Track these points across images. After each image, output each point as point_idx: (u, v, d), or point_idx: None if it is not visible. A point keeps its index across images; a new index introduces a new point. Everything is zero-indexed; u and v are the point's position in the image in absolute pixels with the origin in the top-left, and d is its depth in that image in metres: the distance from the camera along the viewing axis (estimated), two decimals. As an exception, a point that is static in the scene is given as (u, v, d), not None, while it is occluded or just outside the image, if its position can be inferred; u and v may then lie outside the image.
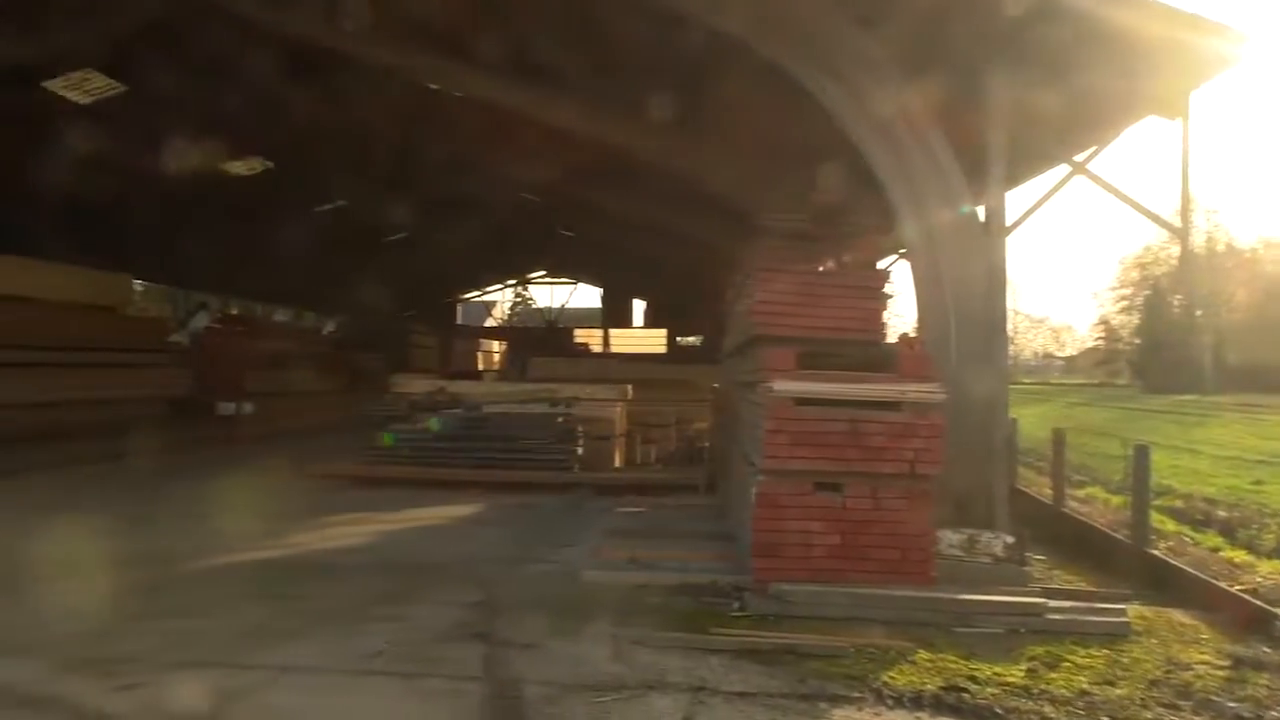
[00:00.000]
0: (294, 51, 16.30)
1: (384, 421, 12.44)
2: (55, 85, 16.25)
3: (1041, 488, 10.95)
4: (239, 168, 22.66)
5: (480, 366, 34.06)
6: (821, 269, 7.88)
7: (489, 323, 44.95)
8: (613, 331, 40.56)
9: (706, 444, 13.86)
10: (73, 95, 16.80)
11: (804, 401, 6.23)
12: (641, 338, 39.62)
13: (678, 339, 38.14)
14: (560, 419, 12.29)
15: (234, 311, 29.83)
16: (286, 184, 23.86)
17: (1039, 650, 5.26)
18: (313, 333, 28.32)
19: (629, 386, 14.16)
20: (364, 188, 25.28)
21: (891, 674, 4.85)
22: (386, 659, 4.99)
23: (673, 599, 6.25)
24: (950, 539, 6.56)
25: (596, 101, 13.13)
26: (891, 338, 8.54)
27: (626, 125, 13.41)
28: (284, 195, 24.64)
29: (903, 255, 11.02)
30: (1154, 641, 5.56)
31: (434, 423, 13.03)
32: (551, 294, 43.68)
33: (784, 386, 6.24)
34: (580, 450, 12.14)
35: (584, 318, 42.61)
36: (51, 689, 4.47)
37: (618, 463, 13.32)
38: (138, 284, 23.32)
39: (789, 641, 5.27)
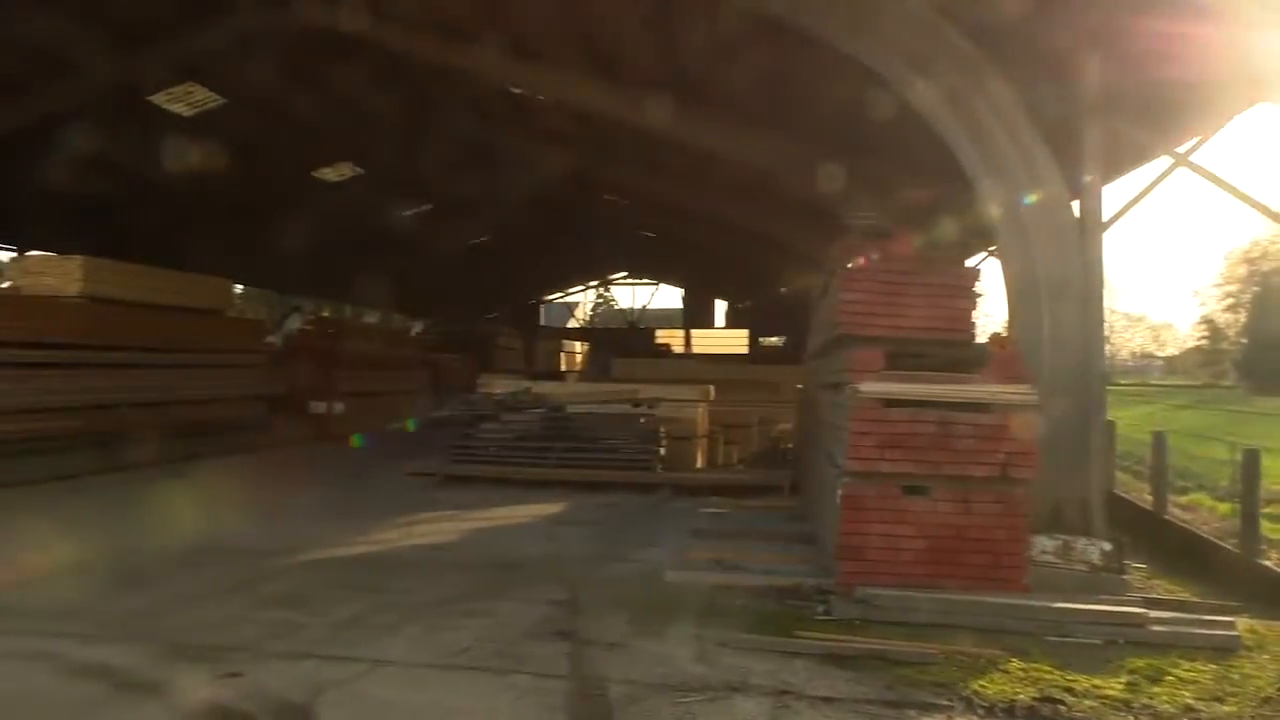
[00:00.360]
0: (383, 60, 16.73)
1: (471, 421, 12.64)
2: (159, 99, 16.95)
3: (1141, 493, 10.55)
4: (329, 174, 23.31)
5: (563, 367, 34.38)
6: (909, 268, 7.72)
7: (571, 324, 45.32)
8: (694, 332, 40.48)
9: (790, 445, 13.76)
10: (176, 108, 17.50)
11: (891, 403, 6.12)
12: (723, 338, 39.45)
13: (760, 339, 37.86)
14: (642, 419, 12.32)
15: (325, 314, 30.72)
16: (375, 189, 24.45)
17: (1140, 663, 5.06)
18: (401, 334, 28.95)
19: (711, 387, 14.11)
20: (450, 192, 25.75)
21: (982, 682, 4.74)
22: (474, 654, 5.08)
23: (756, 601, 6.21)
24: (1044, 545, 6.37)
25: (680, 101, 13.15)
26: (982, 338, 8.31)
27: (709, 124, 13.41)
28: (372, 200, 25.26)
29: (993, 253, 10.75)
30: (1266, 657, 5.30)
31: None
32: (633, 295, 43.83)
33: (871, 387, 6.15)
34: (662, 451, 12.15)
35: (665, 318, 42.64)
36: (158, 675, 4.68)
37: (700, 463, 13.29)
38: (236, 288, 24.15)
39: (876, 647, 5.18)
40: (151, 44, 14.77)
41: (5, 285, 14.64)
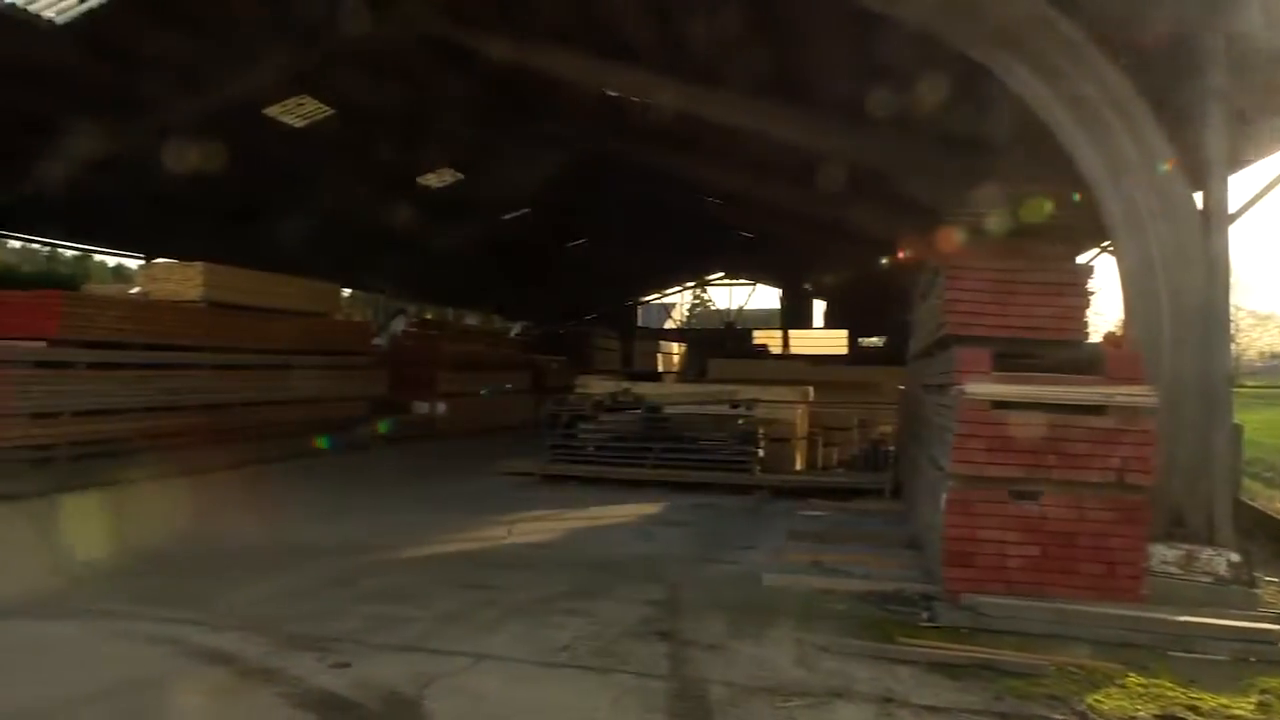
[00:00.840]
0: (483, 66, 17.07)
1: (570, 421, 12.78)
2: (273, 111, 17.66)
3: (1272, 501, 9.96)
4: (432, 180, 23.90)
5: (660, 368, 34.47)
6: (1016, 265, 7.45)
7: (668, 325, 45.39)
8: (792, 332, 40.03)
9: (891, 447, 13.47)
10: (288, 119, 18.21)
11: (999, 404, 5.91)
12: (822, 339, 38.89)
13: (859, 340, 37.21)
14: (740, 420, 12.25)
15: (428, 316, 31.51)
16: (475, 194, 24.95)
17: (1273, 682, 4.77)
18: (501, 336, 29.48)
19: (809, 388, 13.94)
20: (548, 195, 26.10)
21: (1098, 696, 4.54)
22: (575, 652, 5.13)
23: (858, 606, 6.10)
24: (1164, 555, 6.08)
25: (781, 101, 13.03)
26: (1095, 337, 7.98)
27: (803, 123, 13.24)
28: (473, 204, 25.78)
29: (1107, 249, 10.30)
30: None
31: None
32: (730, 295, 43.62)
33: (977, 388, 5.96)
34: (760, 452, 12.05)
35: (763, 319, 42.29)
36: (273, 662, 4.87)
37: (798, 465, 13.13)
38: (344, 291, 24.92)
39: (984, 656, 5.02)
40: (269, 58, 15.41)
41: (133, 291, 15.47)
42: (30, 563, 7.17)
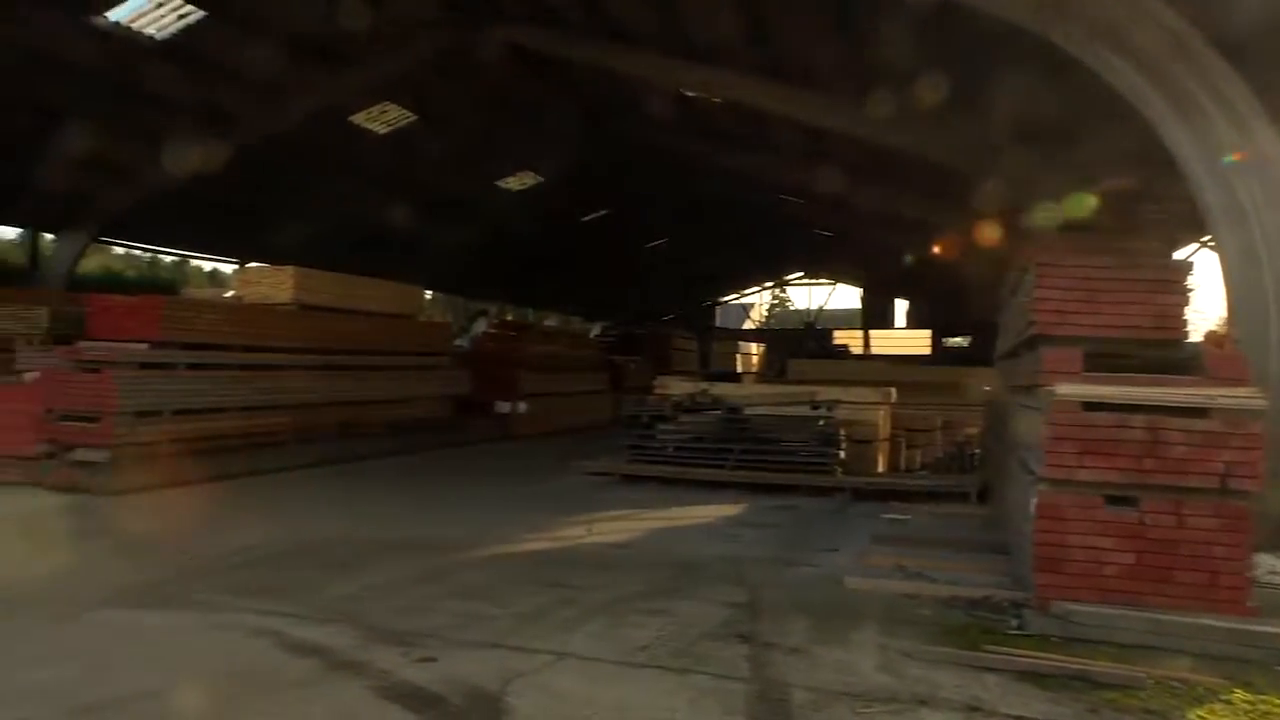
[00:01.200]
0: (561, 71, 17.26)
1: (650, 422, 12.80)
2: (359, 119, 18.15)
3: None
4: (512, 183, 24.23)
5: (739, 369, 34.31)
6: (1108, 261, 7.19)
7: (747, 325, 45.16)
8: (873, 332, 39.47)
9: (977, 450, 13.16)
10: (373, 126, 18.70)
11: (1092, 406, 5.72)
12: (904, 339, 38.28)
13: (943, 340, 36.47)
14: (821, 422, 12.10)
15: (509, 317, 31.95)
16: (555, 196, 25.21)
17: (1390, 699, 4.52)
18: (580, 336, 29.71)
19: (892, 389, 13.69)
20: (627, 196, 26.24)
21: (1200, 713, 4.35)
22: (654, 652, 5.14)
23: (943, 611, 5.97)
24: (1273, 565, 5.79)
25: (858, 99, 12.86)
26: (1195, 337, 7.64)
27: (888, 121, 13.03)
28: (552, 207, 26.05)
29: (1207, 244, 9.89)
30: None
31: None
32: (809, 295, 43.21)
33: (1069, 390, 5.77)
34: (841, 454, 11.89)
35: (843, 318, 41.79)
36: (362, 656, 5.00)
37: (880, 468, 12.91)
38: (426, 293, 25.45)
39: (1077, 666, 4.86)
40: (353, 68, 15.86)
41: (228, 294, 16.06)
42: (134, 554, 7.51)
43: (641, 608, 6.04)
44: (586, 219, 28.24)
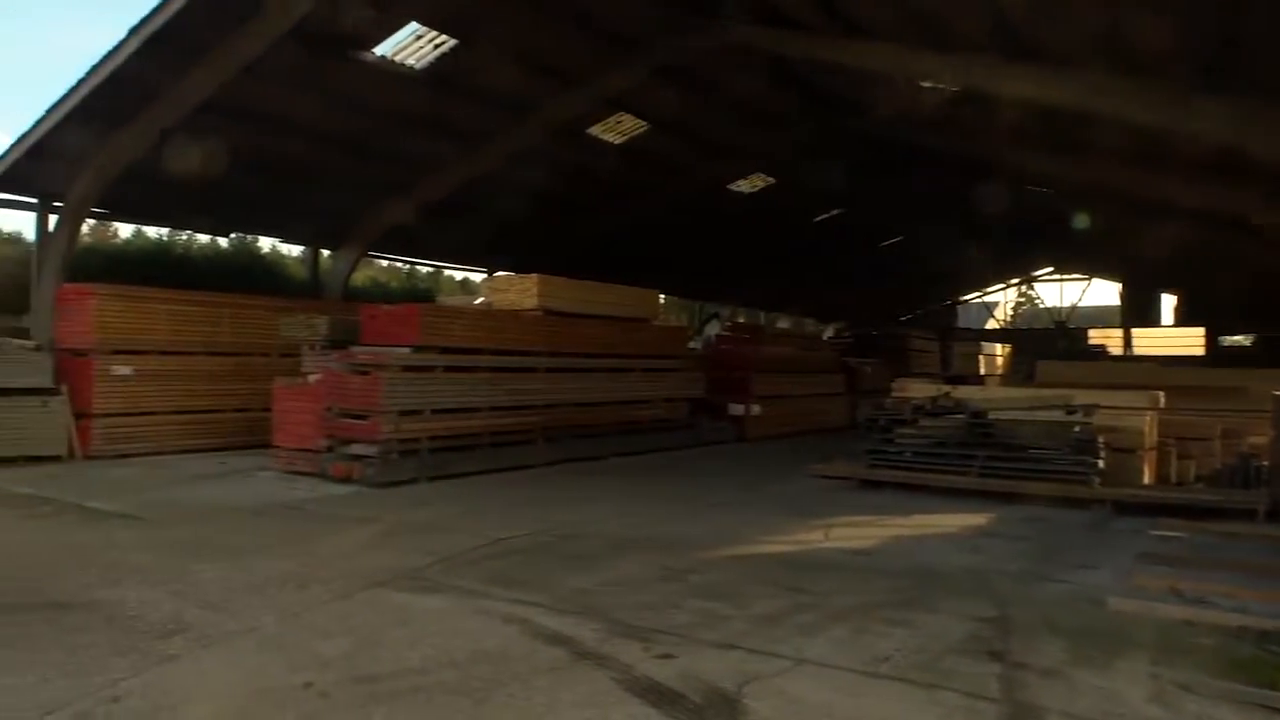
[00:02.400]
0: (790, 70, 17.10)
1: (888, 426, 12.42)
2: (595, 130, 18.86)
3: None
4: (743, 186, 24.29)
5: (982, 371, 32.59)
6: None
7: (990, 325, 42.81)
8: (1135, 331, 36.28)
9: (1264, 462, 11.72)
10: (608, 137, 19.36)
11: None
12: (1172, 337, 34.88)
13: (1219, 338, 32.93)
14: (1076, 428, 11.23)
15: (741, 319, 32.03)
16: (787, 197, 25.03)
17: None
18: (814, 338, 29.31)
19: (1160, 393, 12.47)
20: (862, 195, 25.63)
21: None
22: (897, 664, 4.96)
23: (1227, 642, 5.36)
24: None
25: (1114, 74, 11.87)
26: None
27: (1149, 97, 11.94)
28: (784, 208, 25.88)
29: None
30: None
31: None
32: (1060, 292, 40.34)
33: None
34: (1100, 463, 10.97)
35: (1099, 317, 38.73)
36: (605, 648, 5.17)
37: (1146, 479, 11.80)
38: (661, 297, 26.06)
39: (1399, 713, 4.22)
40: (589, 82, 16.50)
41: (478, 301, 17.16)
42: (399, 541, 8.18)
43: (883, 617, 5.85)
44: (819, 219, 27.83)
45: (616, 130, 19.11)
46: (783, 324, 36.94)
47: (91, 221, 19.38)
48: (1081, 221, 26.19)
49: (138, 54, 12.31)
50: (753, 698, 4.46)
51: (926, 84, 15.94)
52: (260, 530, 8.73)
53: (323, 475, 11.82)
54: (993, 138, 17.85)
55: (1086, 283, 38.76)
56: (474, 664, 4.89)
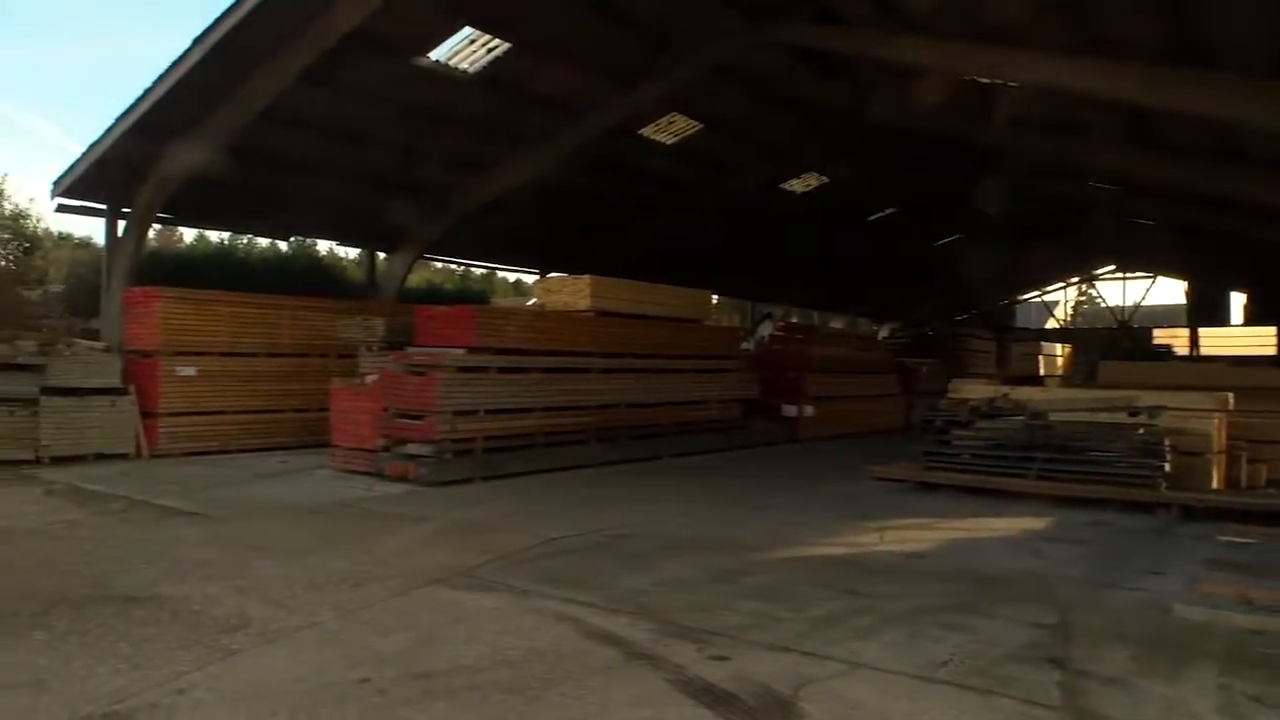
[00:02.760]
0: (844, 68, 16.94)
1: (944, 427, 12.23)
2: (647, 131, 18.88)
3: None
4: (796, 185, 24.12)
5: (1041, 371, 31.95)
6: None
7: (1050, 324, 41.93)
8: (1202, 330, 35.26)
9: (1341, 466, 11.33)
10: (661, 138, 19.37)
11: None
12: (1242, 337, 33.81)
13: (1295, 337, 31.86)
14: (1140, 430, 10.95)
15: (794, 320, 31.80)
16: (840, 196, 24.81)
17: None
18: (868, 338, 29.00)
19: (1229, 394, 12.10)
20: (916, 192, 25.30)
21: None
22: (954, 669, 4.88)
23: (1303, 653, 5.19)
24: None
25: (1178, 66, 11.55)
26: None
27: (1218, 92, 11.58)
28: (838, 207, 25.65)
29: None
30: None
31: None
32: (1123, 291, 39.37)
33: None
34: (1166, 466, 10.68)
35: (1163, 315, 37.72)
36: (657, 649, 5.17)
37: (1215, 483, 11.45)
38: (713, 297, 25.99)
39: None
40: (642, 83, 16.53)
41: (531, 302, 17.29)
42: (454, 540, 8.27)
43: (939, 621, 5.76)
44: (873, 218, 27.53)
45: (669, 131, 19.11)
46: (836, 324, 36.61)
47: (158, 226, 19.92)
48: (1147, 218, 25.55)
49: (201, 63, 12.63)
50: (808, 701, 4.42)
51: (984, 80, 15.67)
52: (319, 528, 8.90)
53: (379, 474, 12.00)
54: (1053, 134, 17.49)
55: (1151, 281, 37.80)
56: (528, 662, 4.93)
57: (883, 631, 5.55)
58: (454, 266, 30.42)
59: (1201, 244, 28.16)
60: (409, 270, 21.15)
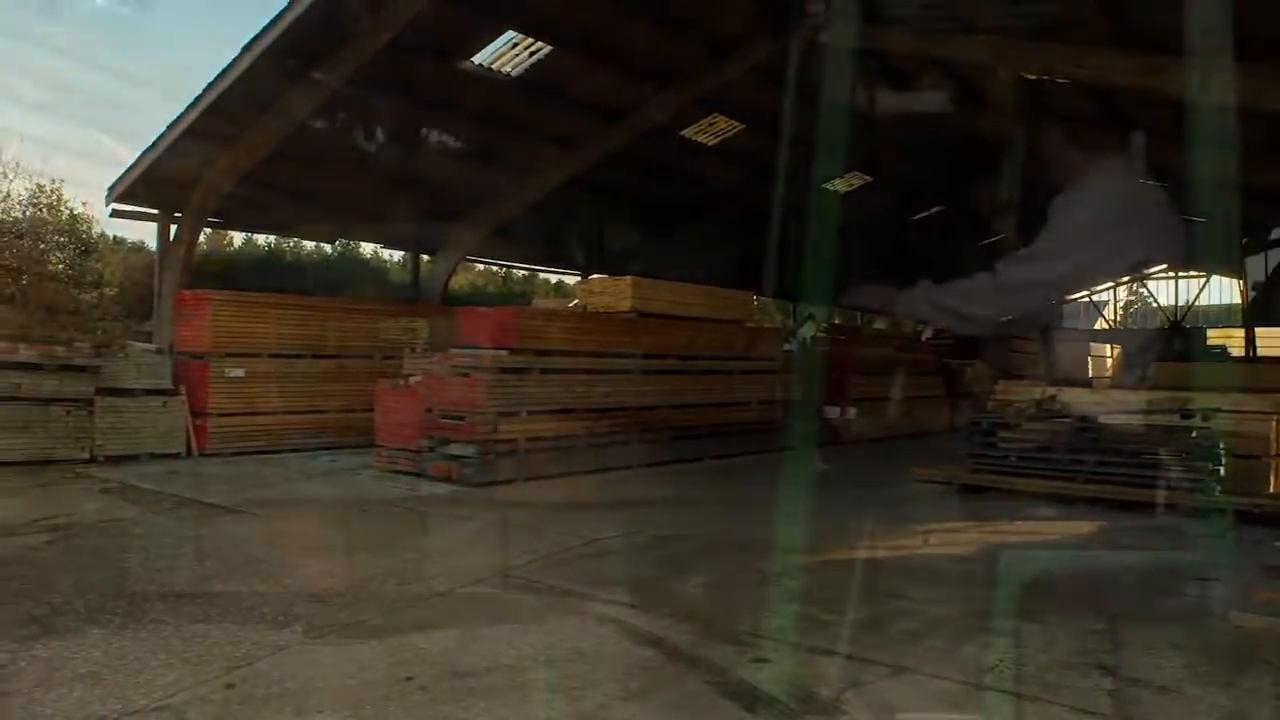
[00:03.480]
0: (886, 66, 16.78)
1: (990, 429, 12.05)
2: (689, 132, 18.87)
3: None
4: (839, 185, 23.94)
5: (1090, 373, 31.35)
6: None
7: (1099, 325, 41.13)
8: (1260, 330, 34.34)
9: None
10: (702, 139, 19.34)
11: None
12: (1302, 337, 32.86)
13: (1359, 337, 30.90)
14: (1194, 433, 10.70)
15: (838, 321, 31.51)
16: (884, 195, 24.59)
17: None
18: (911, 339, 28.65)
19: (1288, 396, 11.78)
20: (960, 191, 24.98)
21: None
22: (1000, 675, 4.81)
23: (1365, 663, 5.03)
24: None
25: (1223, 62, 11.28)
26: None
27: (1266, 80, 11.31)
28: (882, 206, 25.42)
29: None
30: None
31: None
32: (1174, 289, 38.48)
33: None
34: (1221, 470, 10.42)
35: (1218, 315, 36.81)
36: (699, 651, 5.16)
37: (1273, 488, 11.16)
38: (755, 298, 25.77)
39: None
40: (684, 84, 16.52)
41: (573, 304, 17.33)
42: (497, 540, 8.33)
43: (985, 626, 5.68)
44: (918, 217, 27.23)
45: (710, 132, 19.08)
46: (880, 325, 36.22)
47: (208, 230, 20.33)
48: (1197, 214, 24.94)
49: (250, 70, 12.86)
50: (851, 705, 4.38)
51: (1030, 75, 15.45)
52: (364, 527, 9.01)
53: (423, 474, 12.11)
54: (1099, 128, 17.17)
55: (1204, 280, 36.91)
56: (568, 662, 4.94)
57: (927, 636, 5.49)
58: (496, 268, 30.64)
59: (1259, 239, 27.49)
60: (452, 272, 21.35)
